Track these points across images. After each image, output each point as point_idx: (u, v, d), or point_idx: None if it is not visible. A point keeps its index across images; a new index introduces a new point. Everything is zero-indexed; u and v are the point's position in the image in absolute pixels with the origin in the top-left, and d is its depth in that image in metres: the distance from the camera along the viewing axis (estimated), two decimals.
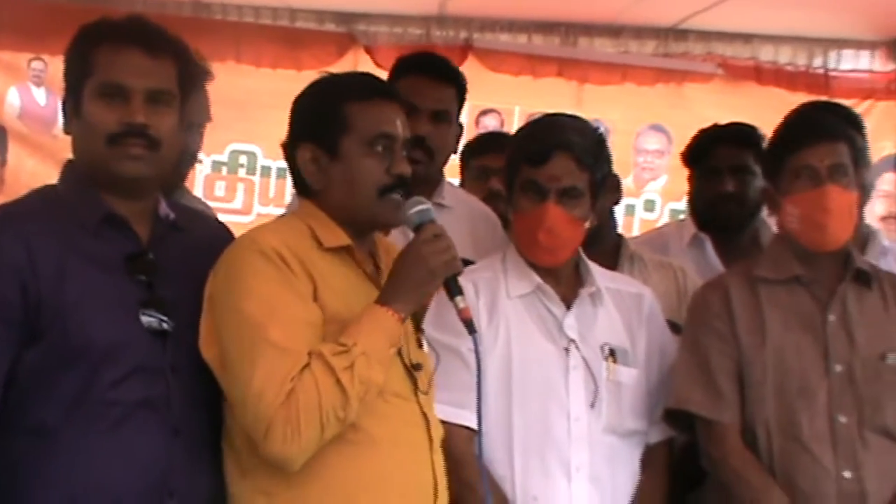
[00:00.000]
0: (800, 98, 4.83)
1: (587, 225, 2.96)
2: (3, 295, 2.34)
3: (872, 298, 3.00)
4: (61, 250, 2.40)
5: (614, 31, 6.59)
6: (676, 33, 6.59)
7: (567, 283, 2.99)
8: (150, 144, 2.45)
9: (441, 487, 2.58)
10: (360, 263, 2.58)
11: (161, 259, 2.51)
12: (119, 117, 2.44)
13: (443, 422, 2.70)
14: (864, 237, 3.62)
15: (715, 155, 3.83)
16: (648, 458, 2.98)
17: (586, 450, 2.85)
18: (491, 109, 6.77)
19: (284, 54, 6.59)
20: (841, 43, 6.71)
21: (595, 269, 3.05)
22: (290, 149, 2.63)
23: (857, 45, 6.72)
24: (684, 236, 3.92)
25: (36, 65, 6.61)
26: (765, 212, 3.53)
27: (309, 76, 6.58)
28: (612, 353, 2.94)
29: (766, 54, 6.69)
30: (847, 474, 2.84)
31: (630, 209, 6.81)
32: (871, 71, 6.77)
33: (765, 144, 3.32)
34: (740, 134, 3.84)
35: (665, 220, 6.69)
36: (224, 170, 6.76)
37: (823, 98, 5.65)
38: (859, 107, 6.20)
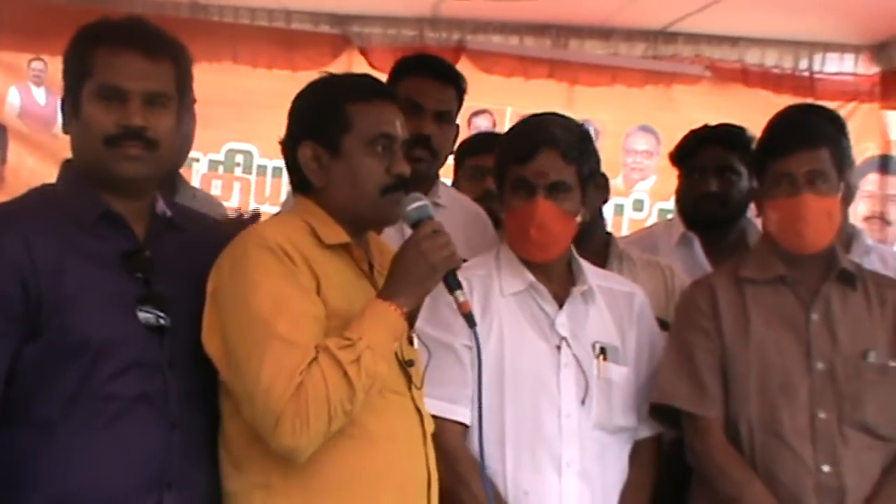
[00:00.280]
0: (786, 100, 4.83)
1: (578, 219, 2.96)
2: (4, 291, 2.33)
3: (856, 298, 3.01)
4: (60, 248, 2.40)
5: (604, 33, 6.58)
6: (665, 36, 6.58)
7: (559, 281, 3.00)
8: (147, 146, 2.45)
9: (434, 480, 2.58)
10: (358, 261, 2.58)
11: (158, 256, 2.51)
12: (117, 119, 2.43)
13: (435, 417, 2.70)
14: (848, 237, 3.63)
15: (701, 155, 3.84)
16: (637, 454, 2.99)
17: (577, 446, 2.86)
18: (483, 110, 6.77)
19: (280, 55, 6.58)
20: (826, 46, 6.71)
21: (587, 267, 3.06)
22: (289, 146, 2.62)
23: (842, 48, 6.72)
24: (673, 235, 3.93)
25: (36, 65, 6.59)
26: (751, 211, 3.54)
27: (304, 76, 6.58)
28: (603, 350, 2.95)
29: (753, 57, 6.69)
30: (826, 468, 2.85)
31: (619, 209, 6.81)
32: (855, 74, 6.77)
33: (753, 146, 3.32)
34: (726, 135, 3.85)
35: (654, 219, 6.70)
36: (220, 168, 6.75)
37: (809, 100, 5.66)
38: (843, 109, 6.21)
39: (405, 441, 2.54)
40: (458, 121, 3.71)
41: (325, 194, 2.58)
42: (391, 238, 2.81)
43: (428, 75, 3.56)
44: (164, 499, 2.43)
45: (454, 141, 3.69)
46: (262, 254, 2.41)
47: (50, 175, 2.67)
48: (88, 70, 2.46)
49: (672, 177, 4.01)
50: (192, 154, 6.55)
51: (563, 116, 3.07)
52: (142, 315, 2.43)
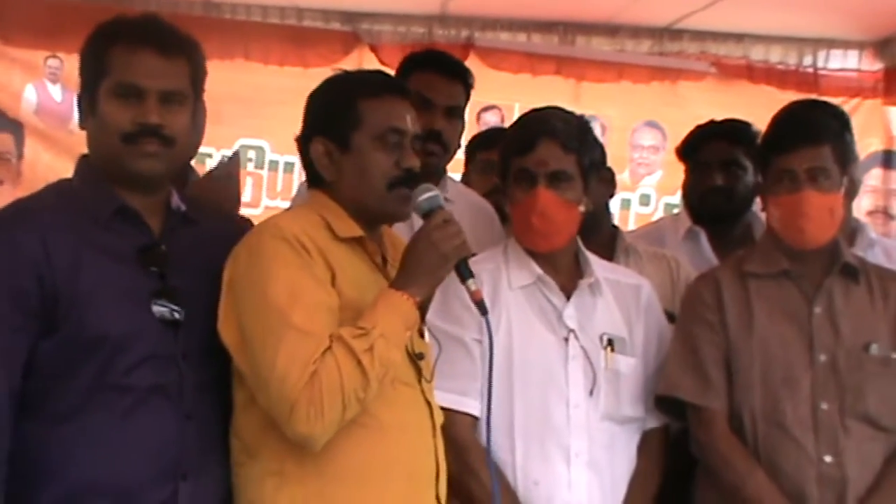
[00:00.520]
0: (790, 96, 4.83)
1: (581, 209, 2.96)
2: (21, 286, 2.34)
3: (859, 291, 3.01)
4: (76, 243, 2.40)
5: (611, 30, 6.59)
6: (671, 33, 6.59)
7: (567, 274, 2.99)
8: (163, 142, 2.45)
9: (442, 471, 2.58)
10: (371, 254, 2.58)
11: (173, 250, 2.51)
12: (133, 117, 2.43)
13: (446, 409, 2.70)
14: (852, 230, 3.62)
15: (706, 150, 3.83)
16: (645, 444, 2.99)
17: (585, 436, 2.86)
18: (492, 106, 6.77)
19: (291, 52, 6.59)
20: (830, 43, 6.71)
21: (594, 260, 3.05)
22: (303, 142, 2.63)
23: (846, 45, 6.71)
24: (679, 229, 3.92)
25: (52, 62, 6.61)
26: (757, 205, 3.53)
27: (315, 73, 6.61)
28: (611, 342, 2.94)
29: (758, 53, 6.69)
30: (828, 459, 2.85)
31: (626, 203, 6.81)
32: (858, 70, 6.77)
33: (758, 141, 3.32)
34: (732, 130, 3.84)
35: (660, 213, 6.70)
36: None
37: (813, 96, 5.65)
38: (847, 105, 6.20)
39: (415, 432, 2.54)
40: (467, 116, 3.70)
41: (336, 189, 2.59)
42: (401, 231, 2.81)
43: (436, 71, 3.55)
44: (180, 489, 2.43)
45: (461, 135, 3.68)
46: (279, 244, 2.41)
47: (66, 170, 2.67)
48: (105, 68, 2.46)
49: (678, 172, 4.00)
50: (205, 150, 6.58)
51: (563, 110, 3.07)
52: (156, 309, 2.43)
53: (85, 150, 2.58)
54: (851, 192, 3.22)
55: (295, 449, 2.38)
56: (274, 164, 6.77)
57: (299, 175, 6.43)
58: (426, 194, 2.52)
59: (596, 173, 3.04)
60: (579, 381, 2.88)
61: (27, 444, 2.36)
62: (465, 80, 3.62)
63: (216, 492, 2.52)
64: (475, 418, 2.84)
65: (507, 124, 6.16)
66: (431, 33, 6.51)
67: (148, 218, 2.52)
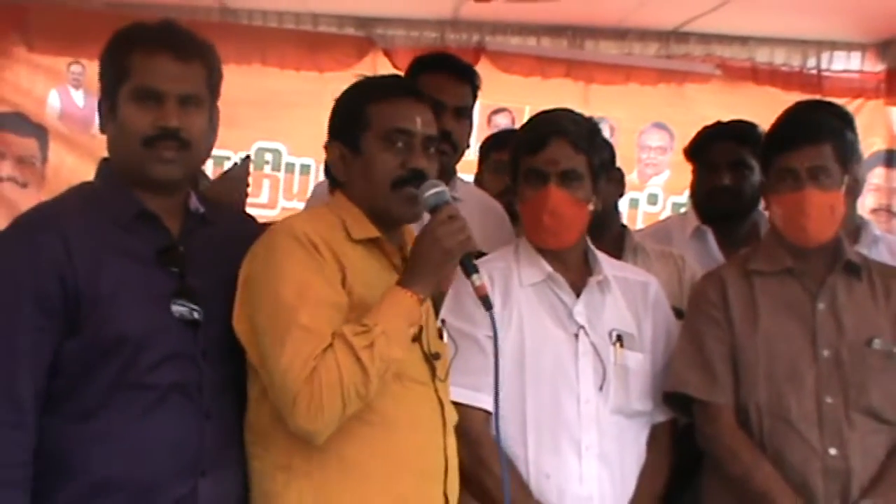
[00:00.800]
0: (794, 97, 4.81)
1: (591, 208, 2.96)
2: (45, 288, 2.35)
3: (861, 288, 3.00)
4: (97, 245, 2.41)
5: (619, 34, 6.58)
6: (677, 36, 6.58)
7: (576, 272, 2.99)
8: (181, 146, 2.46)
9: (451, 469, 2.58)
10: (389, 255, 2.58)
11: (191, 251, 2.52)
12: (153, 120, 2.44)
13: (460, 404, 2.71)
14: (856, 228, 3.61)
15: (714, 150, 3.83)
16: (653, 437, 2.99)
17: (595, 430, 2.86)
18: (503, 108, 6.77)
19: (307, 57, 6.59)
20: (833, 45, 6.70)
21: (603, 258, 3.05)
22: (325, 148, 2.67)
23: (848, 46, 6.70)
24: (687, 228, 3.92)
25: (74, 68, 6.62)
26: (762, 204, 3.53)
27: (330, 77, 6.61)
28: (620, 338, 2.94)
29: (763, 56, 6.68)
30: (833, 452, 2.85)
31: (634, 203, 6.80)
32: (861, 71, 6.76)
33: None
34: (739, 131, 3.84)
35: (667, 213, 6.69)
36: (251, 166, 6.76)
37: (817, 97, 5.64)
38: (850, 105, 6.17)
39: (424, 430, 2.54)
40: (477, 119, 3.71)
41: (349, 190, 2.61)
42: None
43: (445, 73, 3.55)
44: (199, 485, 2.44)
45: (470, 135, 3.68)
46: (291, 244, 2.43)
47: (88, 174, 2.67)
48: (125, 73, 2.46)
49: (685, 172, 4.00)
50: (222, 153, 6.63)
51: (571, 110, 3.06)
52: (176, 308, 2.44)
53: (107, 154, 2.58)
54: (854, 191, 3.21)
55: (302, 443, 2.39)
56: (290, 167, 6.77)
57: (315, 177, 6.45)
58: (432, 190, 2.49)
59: (605, 173, 3.04)
60: (589, 377, 2.88)
61: (51, 440, 2.37)
62: (472, 81, 3.63)
63: (234, 488, 2.53)
64: (488, 413, 2.83)
65: (517, 126, 6.19)
66: (444, 38, 6.51)
67: (167, 220, 2.52)
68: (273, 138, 6.75)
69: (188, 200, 2.59)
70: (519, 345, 2.88)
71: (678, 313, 3.14)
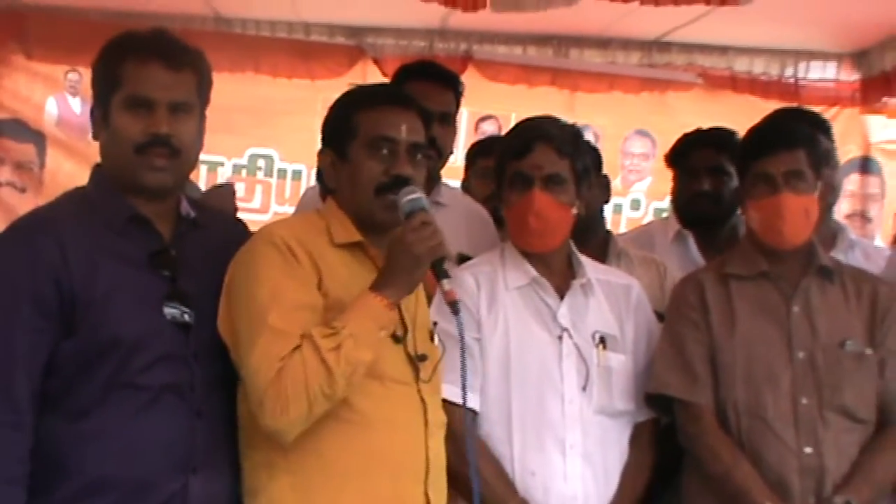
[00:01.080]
0: (773, 105, 4.82)
1: (574, 211, 2.95)
2: (41, 291, 2.35)
3: (834, 291, 3.01)
4: (91, 249, 2.41)
5: (603, 43, 6.59)
6: (660, 45, 6.59)
7: (560, 275, 2.99)
8: (172, 153, 2.47)
9: (433, 469, 2.57)
10: (374, 259, 2.57)
11: (183, 255, 2.52)
12: (145, 128, 2.44)
13: (447, 402, 2.70)
14: (833, 233, 3.63)
15: (694, 157, 3.83)
16: (636, 436, 2.98)
17: (579, 429, 2.85)
18: (489, 116, 6.77)
19: (299, 65, 6.59)
20: (810, 55, 6.71)
21: (586, 261, 3.05)
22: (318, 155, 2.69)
23: (825, 56, 6.72)
24: (668, 232, 3.92)
25: (72, 76, 6.61)
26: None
27: (322, 85, 6.59)
28: (603, 340, 2.94)
29: (742, 65, 6.70)
30: (808, 450, 2.85)
31: (617, 208, 6.81)
32: (837, 80, 6.78)
33: None
34: (718, 138, 3.84)
35: (650, 217, 6.69)
36: (244, 172, 6.77)
37: (794, 105, 5.65)
38: (826, 113, 6.18)
39: (403, 429, 2.54)
40: (465, 126, 3.71)
41: (338, 196, 2.62)
42: None
43: (429, 80, 3.54)
44: (190, 482, 2.44)
45: (454, 141, 3.68)
46: (268, 249, 2.45)
47: (85, 179, 2.67)
48: (117, 81, 2.46)
49: (667, 178, 4.00)
50: (216, 158, 6.63)
51: (555, 117, 3.06)
52: (168, 311, 2.45)
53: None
54: (827, 196, 3.24)
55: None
56: (282, 172, 6.77)
57: (307, 182, 6.45)
58: (408, 196, 2.49)
59: (588, 178, 3.04)
60: (573, 378, 2.88)
61: (47, 439, 2.37)
62: (455, 88, 3.62)
63: (225, 484, 2.53)
64: (475, 412, 2.84)
65: (504, 133, 6.19)
66: (432, 47, 6.51)
67: (158, 224, 2.52)
68: (265, 144, 6.76)
69: (179, 205, 2.59)
70: (505, 347, 2.88)
71: (660, 317, 3.14)
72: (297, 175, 6.69)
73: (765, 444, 2.87)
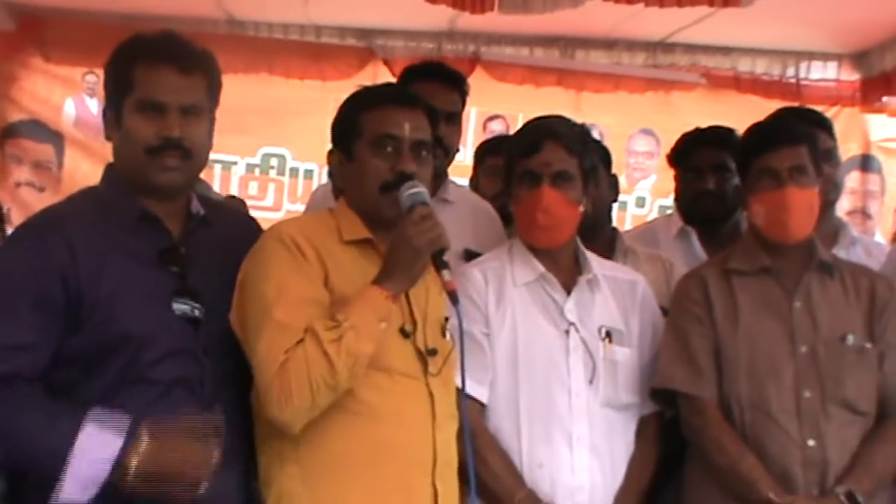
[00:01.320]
0: (775, 104, 4.80)
1: (581, 209, 2.95)
2: (47, 290, 2.35)
3: (834, 286, 3.00)
4: (101, 247, 2.41)
5: (608, 44, 6.58)
6: (664, 46, 6.58)
7: (567, 271, 2.98)
8: (184, 155, 2.47)
9: (441, 460, 2.57)
10: (383, 255, 2.56)
11: (192, 251, 2.52)
12: (157, 131, 2.44)
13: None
14: (835, 229, 3.62)
15: (697, 155, 3.82)
16: (641, 429, 2.98)
17: (586, 422, 2.85)
18: (497, 115, 6.77)
19: (311, 67, 6.59)
20: (811, 55, 6.71)
21: (592, 257, 3.04)
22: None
23: (825, 57, 6.71)
24: (672, 229, 3.91)
25: (89, 78, 6.62)
26: None
27: (333, 86, 6.59)
28: (609, 334, 2.93)
29: (745, 65, 6.69)
30: (811, 443, 2.85)
31: (622, 205, 6.80)
32: (837, 80, 6.77)
33: None
34: (719, 136, 3.83)
35: (654, 215, 6.69)
36: (257, 171, 6.78)
37: (796, 104, 5.64)
38: (827, 113, 6.16)
39: (410, 421, 2.54)
40: (473, 125, 3.70)
41: (347, 195, 2.64)
42: None
43: (435, 80, 3.54)
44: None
45: (460, 139, 3.68)
46: (277, 246, 2.48)
47: None
48: (129, 85, 2.47)
49: (671, 176, 3.99)
50: (230, 158, 6.64)
51: (563, 116, 3.06)
52: (177, 307, 2.45)
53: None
54: (829, 192, 3.23)
55: (291, 434, 2.43)
56: (294, 171, 6.77)
57: (318, 181, 6.45)
58: (409, 191, 2.50)
59: (595, 176, 3.04)
60: (580, 371, 2.87)
61: None
62: (461, 88, 3.63)
63: (237, 477, 2.54)
64: (483, 405, 2.84)
65: (511, 132, 6.19)
66: (441, 48, 6.51)
67: (168, 222, 2.53)
68: (278, 144, 6.76)
69: (190, 203, 2.59)
70: (512, 341, 2.88)
71: (666, 312, 3.13)
72: (308, 174, 6.70)
73: (768, 436, 2.87)
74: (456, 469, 2.63)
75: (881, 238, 6.27)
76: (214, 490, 2.45)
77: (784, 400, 2.88)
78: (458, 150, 3.65)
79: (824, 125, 3.60)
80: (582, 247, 3.04)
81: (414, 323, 2.57)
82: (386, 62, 6.50)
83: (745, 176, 3.05)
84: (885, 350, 2.95)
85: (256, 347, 2.39)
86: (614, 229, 3.64)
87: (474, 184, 4.34)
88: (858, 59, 6.59)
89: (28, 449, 2.31)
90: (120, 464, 2.27)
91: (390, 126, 2.57)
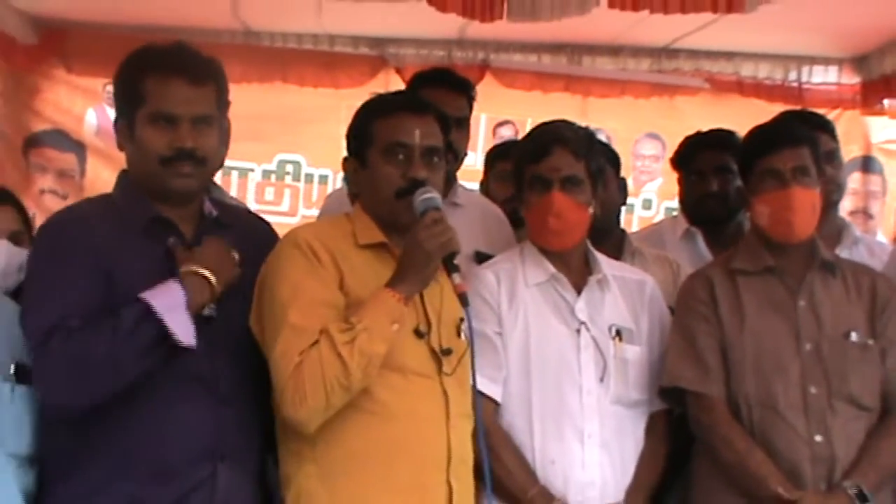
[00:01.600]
0: (777, 108, 4.79)
1: (591, 210, 2.95)
2: (95, 262, 2.39)
3: (836, 285, 3.01)
4: (117, 247, 2.43)
5: (614, 50, 6.55)
6: (668, 52, 6.55)
7: (577, 271, 2.99)
8: (197, 163, 2.49)
9: (455, 458, 2.57)
10: (397, 258, 2.57)
11: None
12: (170, 142, 2.46)
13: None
14: (839, 229, 3.62)
15: (699, 159, 3.83)
16: (651, 426, 2.98)
17: (597, 419, 2.85)
18: (506, 121, 6.75)
19: (324, 75, 6.58)
20: (812, 60, 6.67)
21: (602, 258, 3.05)
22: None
23: (826, 61, 6.67)
24: (677, 231, 3.92)
25: (110, 88, 6.53)
26: None
27: (346, 94, 6.59)
28: (619, 332, 2.94)
29: (748, 70, 6.65)
30: (818, 438, 2.85)
31: (630, 208, 6.76)
32: (838, 84, 6.73)
33: None
34: (720, 139, 3.84)
35: (660, 216, 6.67)
36: (273, 177, 6.76)
37: (798, 108, 5.63)
38: (829, 115, 6.10)
39: (424, 420, 2.54)
40: (483, 130, 3.70)
41: (362, 201, 2.65)
42: None
43: (443, 87, 3.54)
44: (219, 469, 2.45)
45: (468, 144, 3.67)
46: (293, 251, 2.50)
47: None
48: (141, 97, 2.47)
49: (677, 178, 3.99)
50: (247, 165, 6.64)
51: (569, 121, 3.07)
52: None
53: None
54: (830, 192, 3.23)
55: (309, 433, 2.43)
56: (309, 177, 6.76)
57: (333, 186, 6.45)
58: (422, 196, 2.51)
59: (603, 178, 3.04)
60: (591, 369, 2.87)
61: (80, 427, 2.39)
62: (468, 93, 3.63)
63: (252, 472, 2.56)
64: (497, 403, 2.84)
65: (520, 137, 6.18)
66: (451, 56, 6.49)
67: (182, 225, 2.54)
68: (293, 150, 6.75)
69: (202, 206, 2.60)
70: (525, 341, 2.88)
71: (673, 311, 3.13)
72: (323, 179, 6.69)
73: (776, 433, 2.86)
74: (471, 466, 2.63)
75: (883, 238, 6.25)
76: (233, 484, 2.46)
77: (791, 396, 2.88)
78: (466, 155, 3.65)
79: (826, 127, 3.60)
80: (592, 248, 3.04)
81: (428, 324, 2.58)
82: (398, 70, 6.48)
83: (748, 177, 3.05)
84: (886, 347, 2.95)
85: (273, 349, 2.41)
86: (622, 231, 3.66)
87: (485, 188, 4.35)
88: (859, 62, 6.56)
89: (125, 354, 2.32)
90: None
91: (401, 134, 2.57)
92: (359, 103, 2.74)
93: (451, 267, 2.50)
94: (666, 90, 6.84)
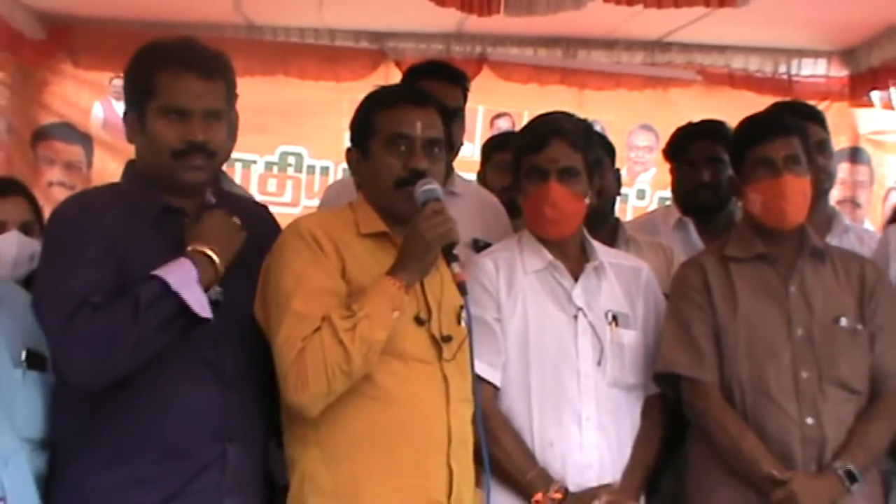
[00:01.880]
0: (767, 100, 4.79)
1: (587, 201, 2.95)
2: (111, 244, 2.38)
3: (826, 271, 3.01)
4: (124, 236, 2.42)
5: (609, 44, 6.55)
6: (662, 46, 6.55)
7: (574, 259, 2.98)
8: (207, 156, 2.48)
9: (455, 441, 2.57)
10: (399, 247, 2.56)
11: None
12: (181, 135, 2.45)
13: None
14: (829, 217, 3.62)
15: (691, 149, 3.83)
16: (646, 409, 2.98)
17: (594, 402, 2.85)
18: (504, 113, 6.76)
19: (326, 68, 6.57)
20: (802, 53, 6.68)
21: (598, 246, 3.04)
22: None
23: (815, 54, 6.68)
24: (670, 220, 3.92)
25: (116, 82, 6.59)
26: None
27: (346, 87, 6.59)
28: (615, 318, 2.93)
29: (739, 63, 6.66)
30: (809, 421, 2.85)
31: (624, 197, 6.76)
32: (827, 76, 6.74)
33: None
34: (711, 129, 3.83)
35: (654, 206, 6.67)
36: (275, 169, 6.77)
37: (787, 100, 5.63)
38: (818, 107, 6.16)
39: (424, 405, 2.54)
40: (480, 122, 3.70)
41: (364, 191, 2.64)
42: None
43: (438, 78, 3.53)
44: (228, 451, 2.46)
45: (463, 134, 3.67)
46: (296, 240, 2.50)
47: None
48: (151, 91, 2.46)
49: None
50: (250, 156, 6.64)
51: (567, 113, 3.07)
52: None
53: None
54: (821, 181, 3.24)
55: (312, 418, 2.43)
56: (311, 169, 6.76)
57: (334, 177, 6.45)
58: (424, 187, 2.51)
59: (599, 169, 3.04)
60: (588, 354, 2.87)
61: (88, 410, 2.39)
62: (462, 84, 3.63)
63: (259, 454, 2.57)
64: (497, 388, 2.84)
65: (517, 129, 6.18)
66: (449, 49, 6.49)
67: (190, 215, 2.53)
68: (295, 142, 6.75)
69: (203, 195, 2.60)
70: (523, 327, 2.88)
71: (667, 297, 3.13)
72: (324, 171, 6.69)
73: (768, 416, 2.87)
74: (471, 450, 2.63)
75: (870, 226, 6.26)
76: (242, 465, 2.46)
77: (783, 381, 2.88)
78: (462, 145, 3.64)
79: (817, 118, 3.60)
80: (588, 236, 3.04)
81: (429, 311, 2.58)
82: (397, 63, 6.48)
83: (740, 167, 3.04)
84: (875, 332, 2.96)
85: (277, 336, 2.41)
86: (617, 219, 3.65)
87: (482, 178, 4.35)
88: (847, 56, 6.56)
89: (146, 329, 2.31)
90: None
91: (403, 125, 2.57)
92: (359, 96, 2.73)
93: (450, 257, 2.50)
94: (659, 83, 6.85)
